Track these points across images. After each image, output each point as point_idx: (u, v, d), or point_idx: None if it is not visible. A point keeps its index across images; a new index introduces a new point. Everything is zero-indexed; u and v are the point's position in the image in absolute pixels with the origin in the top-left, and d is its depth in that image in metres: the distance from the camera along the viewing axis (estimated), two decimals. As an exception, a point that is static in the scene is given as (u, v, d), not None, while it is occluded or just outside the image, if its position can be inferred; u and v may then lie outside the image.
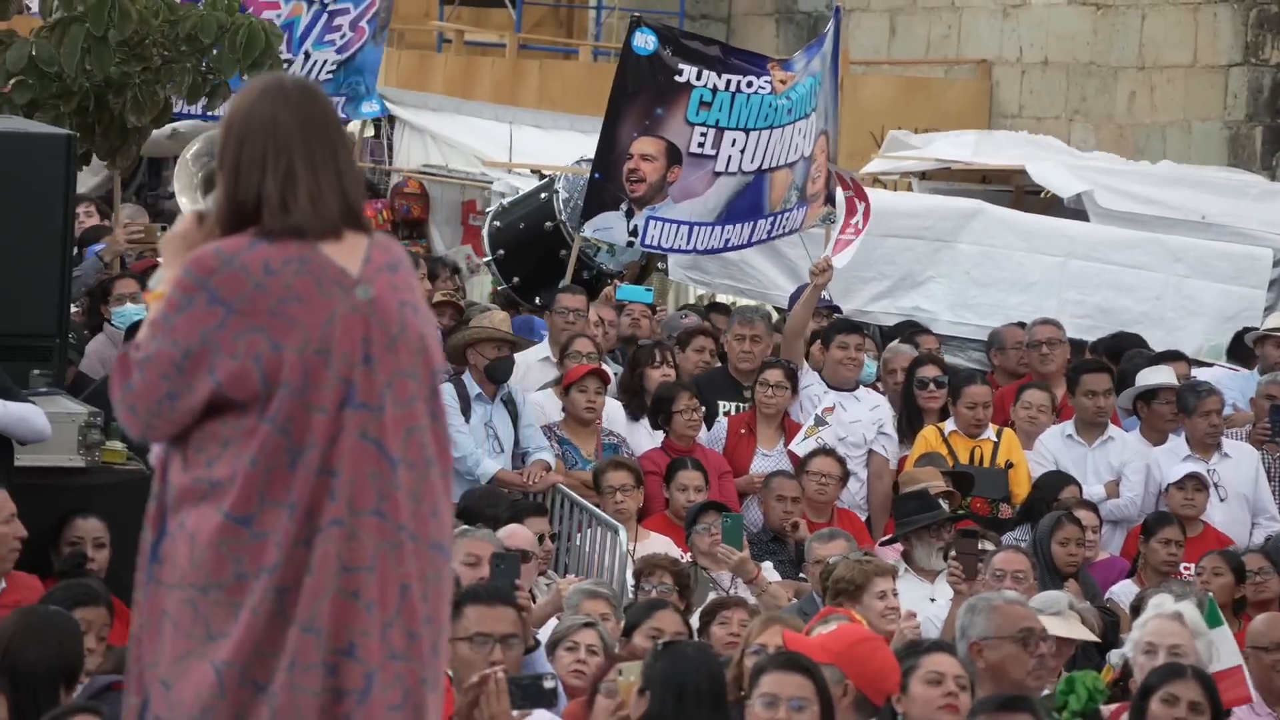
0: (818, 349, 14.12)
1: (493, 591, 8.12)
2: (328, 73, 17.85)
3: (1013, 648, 8.30)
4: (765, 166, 15.17)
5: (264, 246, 4.97)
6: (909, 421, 13.94)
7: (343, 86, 18.10)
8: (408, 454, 5.01)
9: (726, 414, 13.72)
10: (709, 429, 13.51)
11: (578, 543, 12.26)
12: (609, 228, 15.03)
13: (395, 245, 5.15)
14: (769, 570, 11.62)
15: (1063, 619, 9.25)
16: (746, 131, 14.97)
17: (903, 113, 23.79)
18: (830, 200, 15.67)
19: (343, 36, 17.82)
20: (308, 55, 17.68)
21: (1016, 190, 19.27)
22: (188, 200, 13.80)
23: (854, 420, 13.56)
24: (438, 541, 5.06)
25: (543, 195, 16.31)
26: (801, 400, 13.67)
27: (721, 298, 17.34)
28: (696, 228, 15.04)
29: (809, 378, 13.79)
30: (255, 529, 4.91)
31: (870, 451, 13.64)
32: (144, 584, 5.04)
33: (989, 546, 11.19)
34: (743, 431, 13.50)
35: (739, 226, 15.23)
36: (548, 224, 15.95)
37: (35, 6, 14.78)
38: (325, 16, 17.65)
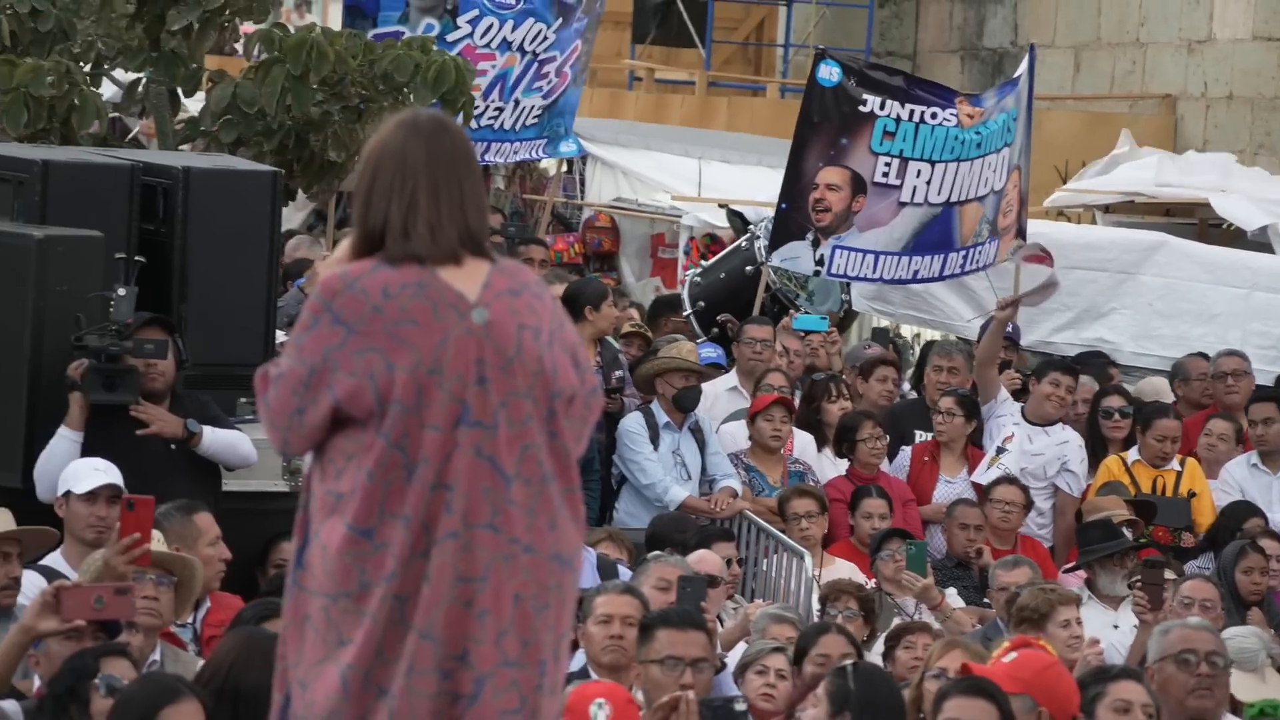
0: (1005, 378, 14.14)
1: (684, 616, 8.16)
2: (534, 117, 18.02)
3: (1173, 668, 8.24)
4: (954, 200, 15.11)
5: (385, 271, 5.12)
6: (1092, 451, 13.89)
7: (545, 129, 18.28)
8: (523, 470, 5.12)
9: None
10: (892, 459, 13.53)
11: (764, 568, 12.28)
12: (796, 257, 15.06)
13: (522, 271, 5.28)
14: (953, 596, 11.61)
15: (1257, 677, 9.15)
16: (932, 163, 14.92)
17: (1087, 147, 23.64)
18: (1021, 234, 15.62)
19: (549, 82, 18.00)
20: (517, 103, 17.86)
21: (1200, 223, 19.09)
22: None
23: (1038, 453, 13.53)
24: (557, 553, 5.17)
25: (744, 245, 16.36)
26: (991, 429, 13.64)
27: (905, 329, 17.33)
28: (882, 257, 15.02)
29: (1003, 408, 13.76)
30: (376, 540, 5.06)
31: (1055, 487, 13.60)
32: (290, 588, 5.23)
33: (1172, 575, 11.11)
34: (926, 459, 13.51)
35: (928, 259, 15.17)
36: (749, 269, 16.03)
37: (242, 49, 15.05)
38: (535, 65, 17.84)
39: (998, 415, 13.70)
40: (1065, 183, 21.00)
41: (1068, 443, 13.71)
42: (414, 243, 5.14)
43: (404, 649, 5.03)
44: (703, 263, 17.06)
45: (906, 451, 13.58)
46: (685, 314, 15.77)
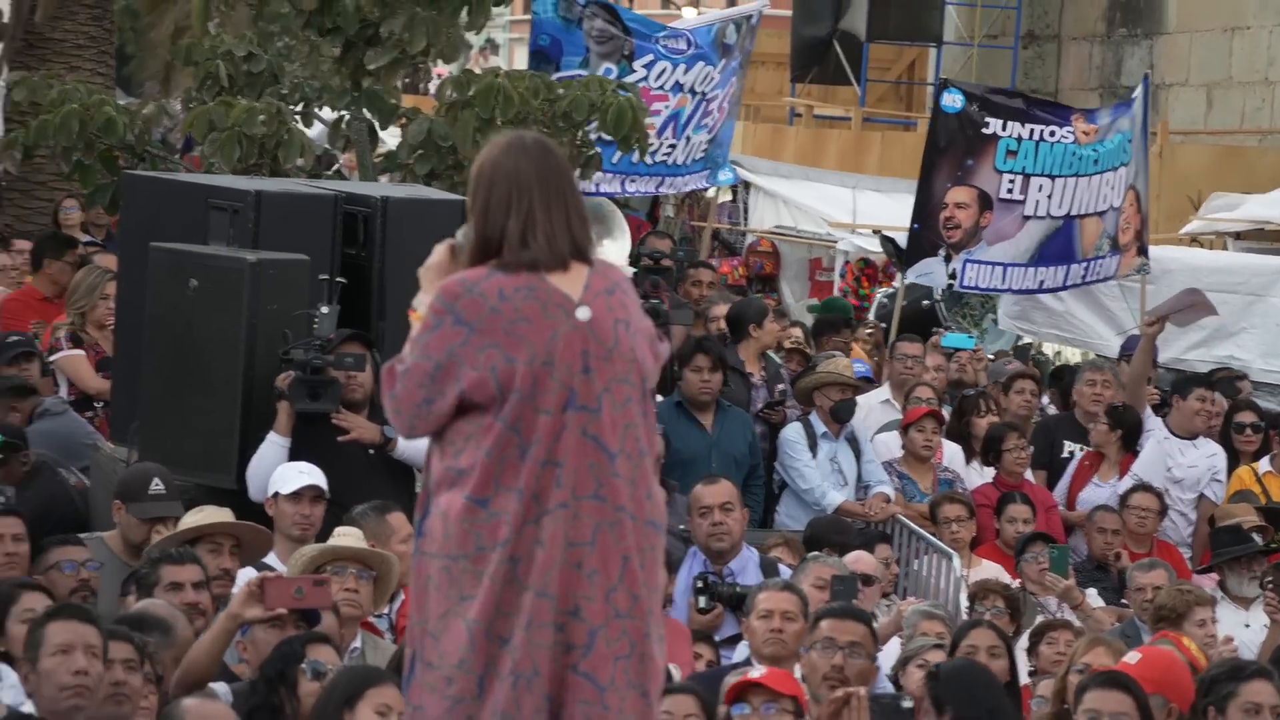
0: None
1: (847, 609, 8.09)
2: (701, 151, 18.06)
3: None
4: (1074, 213, 15.10)
5: (500, 276, 5.38)
6: (1226, 463, 13.75)
7: (709, 161, 18.33)
8: (625, 446, 5.39)
9: (1070, 454, 13.67)
10: (1043, 468, 13.50)
11: (915, 568, 12.22)
12: (929, 273, 15.09)
13: (613, 271, 5.52)
14: (1093, 596, 11.51)
15: None
16: (1052, 178, 14.95)
17: (1218, 179, 23.37)
18: (1143, 251, 15.49)
19: (713, 119, 18.04)
20: (688, 139, 17.91)
21: (1326, 249, 18.85)
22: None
23: (1191, 465, 13.41)
24: (652, 519, 5.43)
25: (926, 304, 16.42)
26: (1144, 442, 13.54)
27: (1046, 347, 17.20)
28: (1010, 268, 15.00)
29: (1150, 422, 13.64)
30: (491, 509, 5.32)
31: (1201, 495, 13.47)
32: (414, 555, 5.50)
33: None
34: (1088, 464, 13.48)
35: (1053, 269, 15.15)
36: (925, 302, 16.05)
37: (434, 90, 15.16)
38: (704, 104, 17.88)
39: (1146, 429, 13.59)
40: (1198, 211, 20.76)
41: (1215, 454, 13.62)
42: (532, 251, 5.38)
43: (522, 605, 5.28)
44: (894, 285, 17.02)
45: (1073, 465, 13.49)
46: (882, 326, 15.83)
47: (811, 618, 8.14)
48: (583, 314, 5.38)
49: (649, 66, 17.47)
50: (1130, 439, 13.42)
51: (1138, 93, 15.67)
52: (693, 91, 17.72)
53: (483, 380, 5.32)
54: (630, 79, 17.33)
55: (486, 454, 5.33)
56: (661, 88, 17.53)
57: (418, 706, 5.40)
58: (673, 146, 17.75)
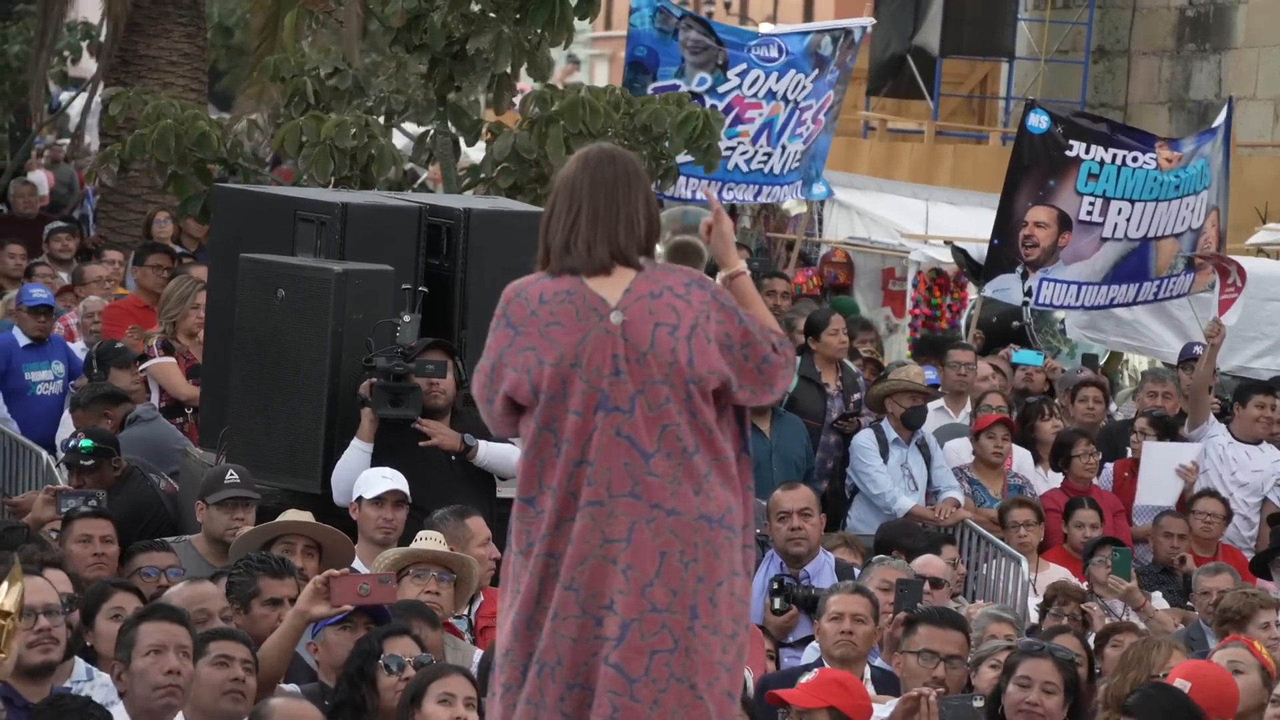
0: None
1: (946, 615, 7.89)
2: (796, 161, 18.01)
3: None
4: (1151, 235, 14.96)
5: (545, 281, 5.48)
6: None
7: (803, 172, 18.27)
8: (663, 446, 5.39)
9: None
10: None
11: (984, 572, 12.15)
12: (1006, 289, 15.02)
13: (668, 276, 5.50)
14: (1158, 599, 11.41)
15: None
16: (1132, 202, 14.82)
17: (1286, 190, 23.19)
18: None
19: (807, 129, 17.99)
20: (784, 148, 17.86)
21: (1392, 258, 18.66)
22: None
23: (1256, 469, 13.31)
24: (705, 514, 5.40)
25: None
26: (1207, 449, 13.41)
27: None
28: (1084, 287, 14.93)
29: (1214, 428, 13.53)
30: (536, 507, 5.43)
31: (1265, 499, 13.36)
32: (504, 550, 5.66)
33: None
34: (1126, 474, 13.36)
35: (1124, 287, 15.07)
36: (1015, 323, 16.04)
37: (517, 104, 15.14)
38: (796, 113, 17.83)
39: (1210, 435, 13.48)
40: (1265, 223, 20.60)
41: (1278, 459, 13.47)
42: (572, 257, 5.46)
43: (553, 598, 5.36)
44: (968, 295, 16.93)
45: (1109, 468, 13.42)
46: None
47: (906, 621, 8.00)
48: (615, 318, 5.42)
49: (742, 75, 17.45)
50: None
51: (1221, 118, 15.58)
52: (785, 99, 17.67)
53: (519, 381, 5.43)
54: (724, 87, 17.33)
55: (526, 454, 5.46)
56: (755, 95, 17.50)
57: (492, 693, 5.57)
58: (768, 155, 17.70)
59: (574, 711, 5.33)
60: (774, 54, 17.60)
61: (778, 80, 17.56)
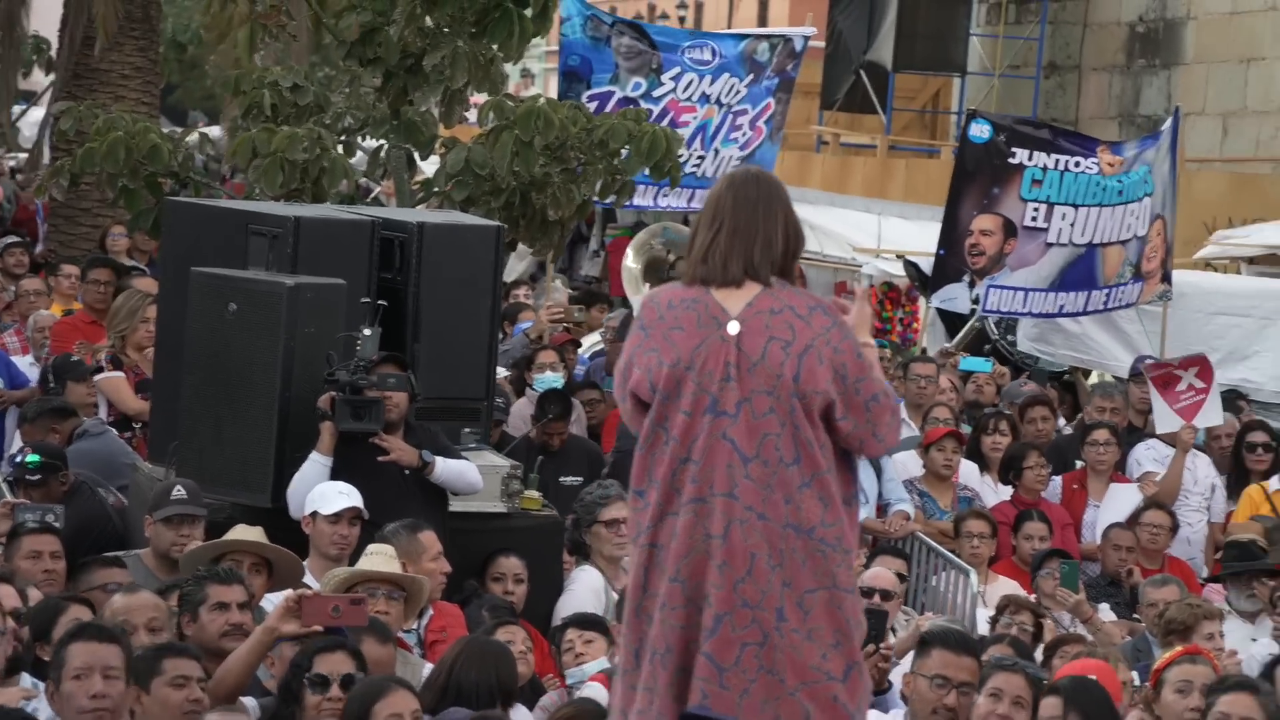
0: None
1: (961, 640, 7.62)
2: (731, 166, 18.03)
3: None
4: (1096, 241, 15.03)
5: (677, 289, 5.78)
6: (1237, 481, 13.69)
7: (743, 180, 18.25)
8: (761, 453, 5.60)
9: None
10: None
11: (933, 584, 12.16)
12: (953, 298, 15.07)
13: (792, 297, 5.73)
14: (1106, 611, 11.44)
15: None
16: (1076, 207, 14.90)
17: (1233, 205, 23.32)
18: (1167, 279, 15.41)
19: (743, 135, 17.99)
20: (716, 152, 17.87)
21: (1337, 274, 18.76)
22: (631, 290, 14.29)
23: (1206, 476, 13.51)
24: (793, 523, 5.60)
25: (978, 325, 16.37)
26: (1140, 458, 13.45)
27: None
28: (1032, 293, 14.98)
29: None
30: (645, 499, 5.68)
31: (1210, 509, 13.52)
32: None
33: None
34: (1075, 487, 13.39)
35: (1073, 295, 15.11)
36: (985, 346, 16.09)
37: (473, 117, 15.12)
38: (730, 117, 17.85)
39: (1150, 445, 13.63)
40: (1212, 237, 20.70)
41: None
42: (707, 269, 5.73)
43: (660, 588, 5.60)
44: (947, 346, 16.85)
45: (1057, 481, 13.47)
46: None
47: (920, 641, 7.81)
48: (732, 328, 5.65)
49: (676, 79, 17.47)
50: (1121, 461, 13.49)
51: (1166, 125, 15.63)
52: (719, 103, 17.69)
53: (642, 380, 5.70)
54: (659, 91, 17.33)
55: (639, 447, 5.70)
56: (689, 99, 17.52)
57: (615, 674, 5.90)
58: (701, 158, 17.72)
59: (683, 695, 5.56)
60: (707, 56, 17.64)
61: (711, 83, 17.60)
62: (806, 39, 18.43)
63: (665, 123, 16.80)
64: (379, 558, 8.54)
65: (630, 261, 16.22)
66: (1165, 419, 13.73)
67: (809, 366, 5.62)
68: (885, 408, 5.73)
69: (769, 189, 5.81)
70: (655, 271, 15.87)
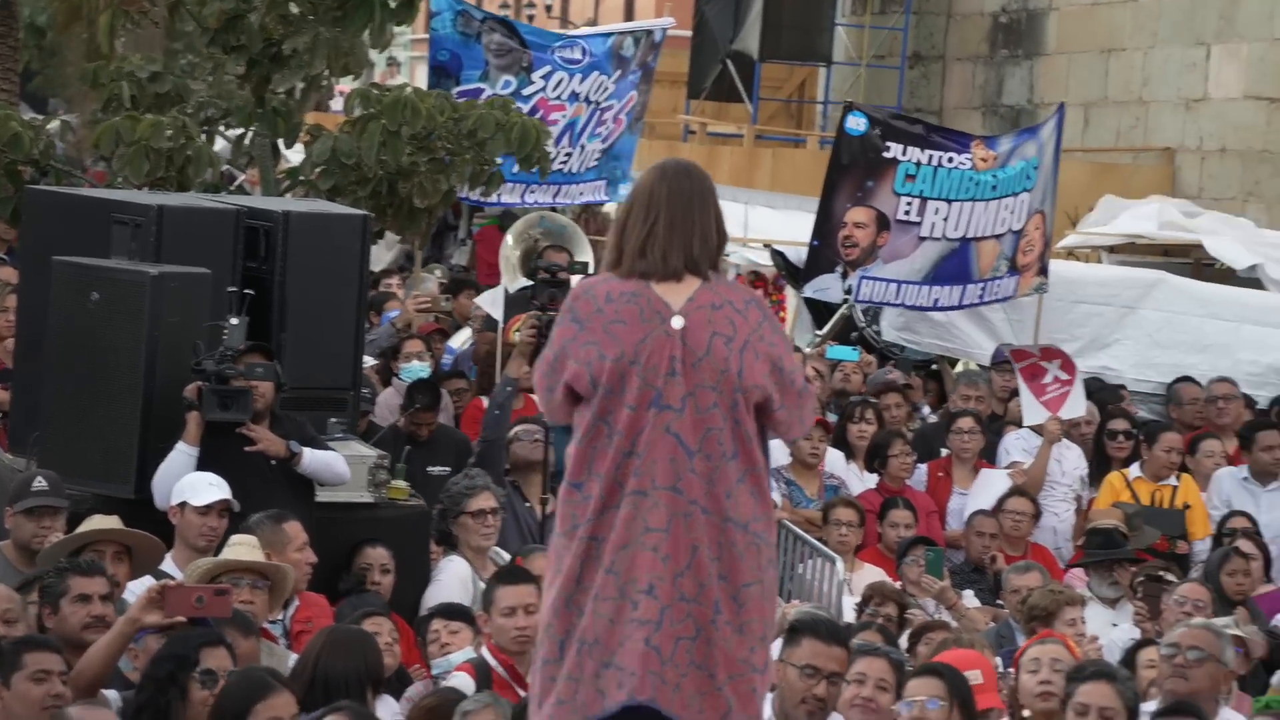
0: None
1: (831, 629, 7.50)
2: (594, 160, 18.01)
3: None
4: (970, 235, 15.11)
5: (613, 281, 5.72)
6: (1098, 468, 13.85)
7: (604, 171, 18.27)
8: (704, 447, 5.63)
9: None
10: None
11: (800, 571, 12.23)
12: (826, 288, 15.13)
13: (730, 291, 5.75)
14: (970, 598, 11.54)
15: None
16: (949, 202, 14.96)
17: (1095, 194, 23.54)
18: (1044, 271, 15.54)
19: (606, 128, 18.00)
20: (583, 147, 17.86)
21: (1195, 263, 18.98)
22: (508, 277, 14.21)
23: (1075, 466, 13.63)
24: (731, 517, 5.64)
25: (847, 312, 16.41)
26: (1009, 447, 13.63)
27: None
28: (905, 285, 15.04)
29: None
30: (584, 492, 5.67)
31: (1078, 496, 13.66)
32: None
33: (1172, 579, 11.03)
34: (940, 474, 13.50)
35: (948, 289, 15.17)
36: (853, 334, 16.13)
37: (338, 105, 15.04)
38: (598, 113, 17.85)
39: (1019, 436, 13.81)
40: (1074, 226, 20.90)
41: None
42: (646, 262, 5.69)
43: (595, 580, 5.60)
44: (818, 332, 16.89)
45: (923, 468, 13.57)
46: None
47: (791, 626, 7.82)
48: (677, 322, 5.65)
49: (546, 78, 17.44)
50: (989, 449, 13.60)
51: (1052, 120, 15.77)
52: (588, 101, 17.69)
53: (580, 373, 5.66)
54: (529, 90, 17.29)
55: (580, 442, 5.68)
56: (559, 98, 17.49)
57: (533, 665, 5.84)
58: (568, 155, 17.71)
59: (607, 688, 5.57)
60: (577, 55, 17.64)
61: (581, 82, 17.59)
62: (665, 30, 18.46)
63: (534, 120, 16.82)
64: (243, 548, 8.49)
65: (509, 250, 16.22)
66: (1032, 411, 13.88)
67: (749, 362, 5.67)
68: (809, 394, 5.86)
69: (701, 182, 5.80)
70: (528, 261, 15.85)
